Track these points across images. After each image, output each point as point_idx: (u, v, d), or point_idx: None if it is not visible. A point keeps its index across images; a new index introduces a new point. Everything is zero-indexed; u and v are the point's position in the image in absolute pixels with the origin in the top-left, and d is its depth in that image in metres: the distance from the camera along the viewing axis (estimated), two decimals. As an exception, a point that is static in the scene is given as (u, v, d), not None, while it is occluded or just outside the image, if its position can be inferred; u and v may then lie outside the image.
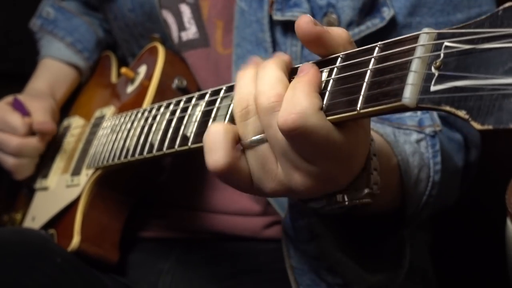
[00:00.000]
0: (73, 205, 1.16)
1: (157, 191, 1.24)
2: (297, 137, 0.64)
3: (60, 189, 1.23)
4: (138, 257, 1.24)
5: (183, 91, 1.15)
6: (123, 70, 1.22)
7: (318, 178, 0.67)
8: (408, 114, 1.01)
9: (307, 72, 0.67)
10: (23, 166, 1.27)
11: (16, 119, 1.24)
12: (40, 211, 1.26)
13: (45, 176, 1.30)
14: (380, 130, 0.89)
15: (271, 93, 0.66)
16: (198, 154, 1.17)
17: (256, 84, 0.68)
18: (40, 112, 1.28)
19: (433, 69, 0.57)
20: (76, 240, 1.10)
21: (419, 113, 1.01)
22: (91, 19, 1.49)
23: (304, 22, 0.66)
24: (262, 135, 0.68)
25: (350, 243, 0.90)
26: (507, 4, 0.54)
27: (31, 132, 1.26)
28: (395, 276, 0.94)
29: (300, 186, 0.68)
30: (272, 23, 1.07)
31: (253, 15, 1.09)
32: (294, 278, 0.92)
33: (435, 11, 1.05)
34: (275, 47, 1.08)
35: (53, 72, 1.42)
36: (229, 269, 1.18)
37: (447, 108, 0.55)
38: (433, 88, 0.56)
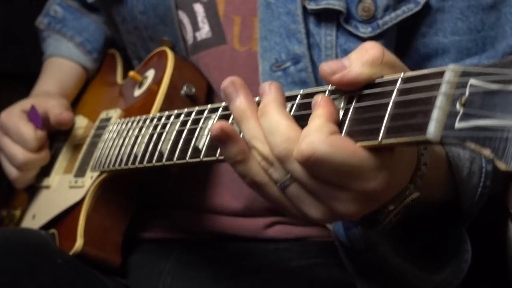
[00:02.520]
0: (76, 206, 1.16)
1: (161, 192, 1.24)
2: (315, 167, 0.65)
3: (63, 189, 1.23)
4: (139, 258, 1.24)
5: (192, 98, 1.15)
6: (131, 73, 1.22)
7: (359, 201, 0.67)
8: None
9: (319, 105, 0.69)
10: (25, 178, 1.28)
11: (29, 132, 1.23)
12: (41, 210, 1.26)
13: (47, 174, 1.30)
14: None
15: (283, 145, 0.68)
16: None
17: (265, 137, 0.71)
18: (57, 107, 1.28)
19: (458, 106, 0.58)
20: (79, 243, 1.10)
21: None
22: (99, 17, 1.48)
23: (327, 75, 0.69)
24: (288, 176, 0.70)
25: (407, 247, 0.90)
26: (533, 46, 0.55)
27: (41, 146, 1.26)
28: (459, 272, 0.94)
29: (344, 213, 0.68)
30: (306, 13, 1.05)
31: (281, 7, 1.07)
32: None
33: None
34: (309, 38, 1.06)
35: (63, 71, 1.41)
36: (230, 269, 1.18)
37: (472, 145, 0.55)
38: (457, 125, 0.57)
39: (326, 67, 0.69)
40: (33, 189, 1.33)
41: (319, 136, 0.65)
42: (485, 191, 0.96)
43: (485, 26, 1.07)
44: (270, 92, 0.74)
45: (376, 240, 0.87)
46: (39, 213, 1.26)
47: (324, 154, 0.64)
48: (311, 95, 0.74)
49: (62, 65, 1.42)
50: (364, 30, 1.04)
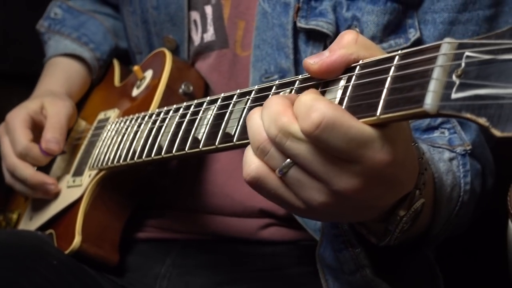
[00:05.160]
0: (74, 205, 1.16)
1: (154, 193, 1.24)
2: (324, 134, 0.63)
3: (61, 190, 1.23)
4: (135, 259, 1.24)
5: (189, 96, 1.16)
6: (135, 68, 1.23)
7: (363, 176, 0.66)
8: (436, 134, 1.02)
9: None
10: (17, 188, 1.26)
11: (21, 139, 1.22)
12: (38, 212, 1.26)
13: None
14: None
15: (277, 123, 0.67)
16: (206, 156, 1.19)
17: (263, 120, 0.69)
18: (55, 120, 1.24)
19: (454, 78, 0.59)
20: (77, 240, 1.11)
21: (447, 133, 1.02)
22: (99, 15, 1.49)
23: (309, 65, 0.71)
24: (287, 160, 0.68)
25: (388, 271, 0.90)
26: (527, 18, 0.57)
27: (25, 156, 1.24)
28: None
29: (348, 189, 0.66)
30: (296, 30, 1.07)
31: (276, 19, 1.08)
32: None
33: None
34: (296, 54, 1.08)
35: (64, 70, 1.41)
36: (226, 273, 1.19)
37: (468, 115, 0.56)
38: (454, 95, 0.58)
39: (308, 58, 0.72)
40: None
41: (324, 102, 0.64)
42: (455, 220, 0.97)
43: None
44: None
45: (365, 262, 0.87)
46: (37, 215, 1.26)
47: (335, 117, 0.62)
48: (308, 79, 0.76)
49: (61, 64, 1.41)
50: None
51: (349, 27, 1.05)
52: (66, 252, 1.12)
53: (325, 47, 1.06)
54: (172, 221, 1.25)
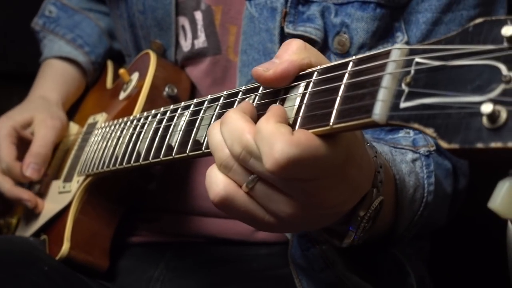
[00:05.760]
0: (64, 211, 1.16)
1: (147, 195, 1.23)
2: (289, 172, 0.63)
3: (53, 195, 1.24)
4: (128, 263, 1.23)
5: (174, 99, 1.15)
6: (121, 71, 1.22)
7: (331, 186, 0.67)
8: (401, 134, 1.01)
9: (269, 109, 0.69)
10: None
11: (6, 156, 1.23)
12: (33, 217, 1.26)
13: (39, 181, 1.30)
14: (378, 149, 0.89)
15: (241, 142, 0.66)
16: (182, 163, 1.18)
17: (224, 136, 0.69)
18: (40, 143, 1.25)
19: (403, 86, 0.56)
20: (65, 247, 1.10)
21: (412, 133, 1.00)
22: (94, 14, 1.47)
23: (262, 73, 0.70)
24: (252, 176, 0.68)
25: (359, 266, 0.90)
26: (477, 20, 0.54)
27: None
28: None
29: (317, 201, 0.67)
30: (283, 35, 1.05)
31: (263, 23, 1.06)
32: None
33: None
34: None
35: (58, 73, 1.40)
36: (221, 275, 1.17)
37: (416, 125, 0.54)
38: (402, 105, 0.56)
39: (259, 67, 0.70)
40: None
41: (285, 139, 0.62)
42: (420, 221, 0.96)
43: None
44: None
45: (334, 259, 0.86)
46: (31, 220, 1.26)
47: (296, 156, 0.62)
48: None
49: (56, 68, 1.41)
50: None
51: (338, 34, 1.02)
52: (56, 258, 1.12)
53: None
54: (165, 224, 1.24)
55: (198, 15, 1.18)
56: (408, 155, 0.95)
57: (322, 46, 1.03)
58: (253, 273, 1.16)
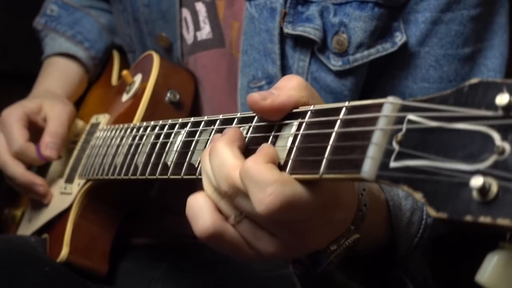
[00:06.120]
0: (64, 213, 1.16)
1: (142, 203, 1.23)
2: (280, 216, 0.63)
3: (55, 194, 1.23)
4: (129, 265, 1.23)
5: (176, 105, 1.14)
6: (125, 72, 1.21)
7: (317, 228, 0.67)
8: None
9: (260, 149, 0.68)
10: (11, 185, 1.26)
11: (18, 138, 1.20)
12: (35, 215, 1.26)
13: (43, 177, 1.30)
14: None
15: (227, 180, 0.66)
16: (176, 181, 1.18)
17: (212, 169, 0.68)
18: (56, 123, 1.23)
19: (394, 144, 0.55)
20: (64, 251, 1.10)
21: None
22: (95, 11, 1.46)
23: (258, 100, 0.69)
24: (238, 212, 0.68)
25: (357, 277, 0.90)
26: (472, 81, 0.52)
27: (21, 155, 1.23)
28: None
29: (303, 242, 0.68)
30: (282, 35, 1.05)
31: (263, 24, 1.06)
32: None
33: (445, 42, 1.04)
34: (283, 59, 1.06)
35: (60, 70, 1.39)
36: (221, 276, 1.17)
37: (405, 188, 0.52)
38: (392, 164, 0.54)
39: (257, 94, 0.69)
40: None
41: (276, 186, 0.62)
42: (421, 242, 0.95)
43: (458, 77, 1.05)
44: (224, 133, 0.72)
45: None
46: (34, 217, 1.27)
47: (286, 201, 0.62)
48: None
49: (58, 65, 1.40)
50: (335, 63, 1.03)
51: (336, 33, 1.02)
52: (57, 261, 1.12)
53: (312, 53, 1.04)
54: (166, 226, 1.23)
55: (199, 6, 1.17)
56: None
57: (321, 46, 1.03)
58: (253, 274, 1.16)
